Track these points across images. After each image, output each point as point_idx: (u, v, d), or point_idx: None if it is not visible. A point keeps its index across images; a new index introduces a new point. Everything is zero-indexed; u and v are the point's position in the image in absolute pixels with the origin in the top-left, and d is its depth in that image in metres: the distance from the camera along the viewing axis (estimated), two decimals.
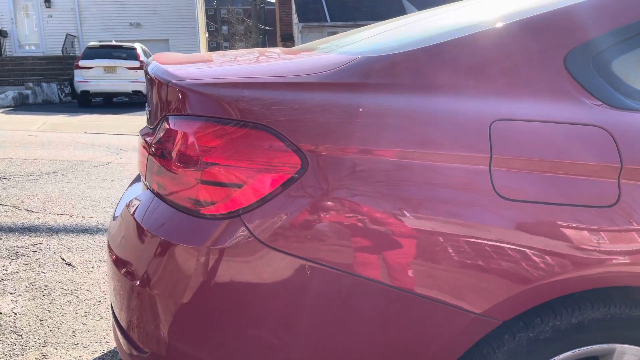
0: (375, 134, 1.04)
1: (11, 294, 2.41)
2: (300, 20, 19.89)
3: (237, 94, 1.09)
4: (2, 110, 11.82)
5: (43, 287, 2.49)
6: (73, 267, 2.72)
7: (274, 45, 38.22)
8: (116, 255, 1.28)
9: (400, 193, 1.02)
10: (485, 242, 1.01)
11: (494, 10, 1.32)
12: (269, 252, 1.02)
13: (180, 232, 1.11)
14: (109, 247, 1.35)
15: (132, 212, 1.27)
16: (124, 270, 1.20)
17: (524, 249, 1.02)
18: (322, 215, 1.02)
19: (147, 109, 1.43)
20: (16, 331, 2.10)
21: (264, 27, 50.50)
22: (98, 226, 3.37)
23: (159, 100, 1.25)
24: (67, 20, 18.49)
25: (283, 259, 1.02)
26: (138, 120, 11.02)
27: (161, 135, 1.19)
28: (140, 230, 1.20)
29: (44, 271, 2.66)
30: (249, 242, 1.03)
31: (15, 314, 2.23)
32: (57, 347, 1.99)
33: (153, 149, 1.22)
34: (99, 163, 5.39)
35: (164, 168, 1.17)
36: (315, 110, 1.07)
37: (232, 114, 1.07)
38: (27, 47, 18.71)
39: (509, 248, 1.01)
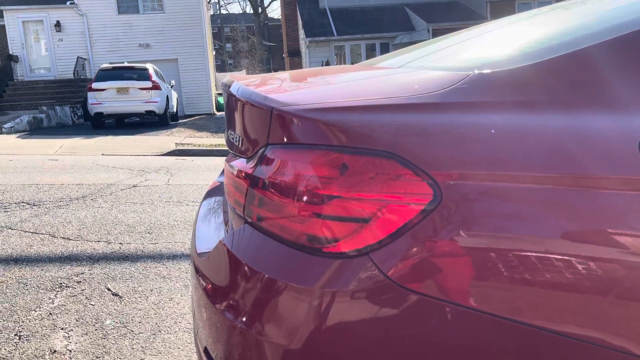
0: (515, 157, 0.95)
1: (62, 329, 2.31)
2: (307, 35, 19.94)
3: (351, 119, 1.00)
4: (18, 135, 11.85)
5: (94, 320, 2.39)
6: (120, 297, 2.63)
7: (279, 60, 38.36)
8: (211, 291, 1.18)
9: (553, 222, 0.91)
10: None
11: (618, 12, 1.22)
12: (403, 293, 0.92)
13: (294, 270, 1.01)
14: (202, 282, 1.26)
15: (230, 249, 1.18)
16: (220, 306, 1.11)
17: None
18: (461, 251, 0.92)
19: (231, 134, 1.35)
20: None
21: (268, 44, 50.85)
22: (138, 253, 3.28)
23: (257, 127, 1.16)
24: (78, 43, 18.63)
25: (416, 300, 0.92)
26: (152, 141, 11.00)
27: (265, 165, 1.10)
28: (244, 268, 1.11)
29: (92, 303, 2.57)
30: (380, 283, 0.93)
31: (70, 351, 2.13)
32: None
33: (254, 181, 1.13)
34: (125, 186, 5.33)
35: (271, 201, 1.08)
36: (440, 133, 0.98)
37: (350, 142, 0.98)
38: (38, 71, 18.85)
39: None
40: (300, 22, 21.27)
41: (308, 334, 0.98)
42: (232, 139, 1.35)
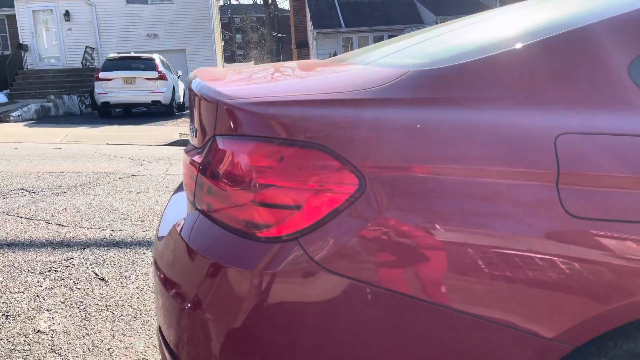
0: (433, 150, 1.01)
1: (47, 310, 2.41)
2: (315, 26, 19.93)
3: (289, 113, 1.06)
4: (26, 123, 12.02)
5: (78, 303, 2.49)
6: (106, 282, 2.72)
7: (289, 51, 38.35)
8: (165, 276, 1.26)
9: (463, 212, 0.98)
10: (558, 261, 0.96)
11: (552, 16, 1.28)
12: (327, 275, 0.99)
13: (233, 254, 1.08)
14: (157, 267, 1.33)
15: (180, 233, 1.25)
16: (173, 290, 1.18)
17: (597, 269, 0.97)
18: (382, 237, 0.98)
19: (191, 126, 1.42)
20: (54, 349, 2.09)
21: (277, 34, 50.77)
22: (128, 240, 3.38)
23: (207, 120, 1.22)
24: (86, 32, 18.78)
25: (341, 282, 0.99)
26: (157, 131, 11.11)
27: (211, 155, 1.16)
28: (190, 252, 1.18)
29: (78, 287, 2.66)
30: (307, 266, 1.00)
31: (53, 331, 2.23)
32: None
33: (203, 170, 1.19)
34: (124, 175, 5.43)
35: (216, 189, 1.14)
36: (370, 127, 1.04)
37: (285, 134, 1.04)
38: (47, 60, 19.03)
39: (582, 268, 0.97)
40: (308, 13, 21.24)
41: (248, 313, 1.05)
42: (191, 130, 1.42)
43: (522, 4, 1.60)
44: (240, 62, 46.27)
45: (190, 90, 1.37)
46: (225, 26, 52.37)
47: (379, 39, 20.40)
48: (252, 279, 1.04)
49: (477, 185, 0.99)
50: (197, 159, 1.25)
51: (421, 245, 0.97)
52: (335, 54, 19.61)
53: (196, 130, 1.33)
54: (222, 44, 29.10)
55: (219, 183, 1.14)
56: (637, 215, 0.98)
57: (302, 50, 22.67)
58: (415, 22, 19.98)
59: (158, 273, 1.30)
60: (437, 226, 0.97)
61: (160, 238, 1.42)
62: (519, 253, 0.96)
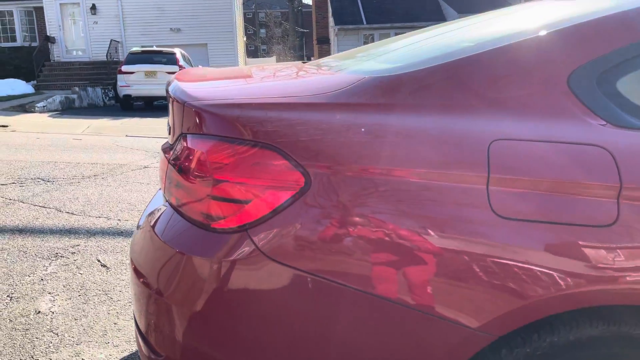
0: (372, 153, 1.09)
1: (49, 293, 2.56)
2: (337, 23, 19.96)
3: (245, 115, 1.16)
4: (50, 113, 12.37)
5: (79, 287, 2.63)
6: (108, 268, 2.86)
7: (311, 47, 38.42)
8: (135, 264, 1.36)
9: (397, 210, 1.06)
10: (482, 258, 1.04)
11: (496, 29, 1.35)
12: (271, 264, 1.08)
13: (193, 244, 1.18)
14: (130, 257, 1.44)
15: (151, 224, 1.36)
16: (142, 279, 1.29)
17: (520, 266, 1.04)
18: (319, 231, 1.07)
19: (168, 125, 1.52)
20: (52, 329, 2.23)
21: (301, 30, 50.85)
22: (132, 229, 3.52)
23: (177, 119, 1.33)
24: (112, 26, 19.15)
25: (283, 271, 1.08)
26: None
27: (178, 152, 1.27)
28: (157, 241, 1.28)
29: (81, 272, 2.81)
30: (254, 255, 1.09)
31: (52, 312, 2.37)
32: (89, 346, 2.11)
33: (172, 165, 1.30)
34: (136, 167, 5.60)
35: (180, 183, 1.25)
36: (317, 130, 1.12)
37: (240, 134, 1.14)
38: (74, 53, 19.48)
39: (505, 264, 1.04)
40: (330, 9, 21.27)
41: (206, 298, 1.15)
42: (167, 128, 1.52)
43: (495, 13, 1.66)
44: (263, 57, 46.51)
45: (167, 92, 1.47)
46: (249, 20, 52.71)
47: None
48: (209, 267, 1.14)
49: (411, 185, 1.07)
50: (169, 154, 1.35)
51: (356, 239, 1.06)
52: None
53: (170, 128, 1.43)
54: (245, 39, 29.33)
55: (183, 177, 1.24)
56: (558, 216, 1.05)
57: (323, 47, 22.73)
58: (437, 19, 19.84)
59: (131, 262, 1.41)
60: (372, 223, 1.06)
61: (138, 227, 1.53)
62: (448, 248, 1.04)
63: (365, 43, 20.40)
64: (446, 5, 19.73)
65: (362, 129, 1.12)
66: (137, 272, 1.35)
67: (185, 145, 1.24)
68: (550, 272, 1.03)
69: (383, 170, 1.08)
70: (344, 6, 20.69)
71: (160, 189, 1.90)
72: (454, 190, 1.06)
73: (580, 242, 1.05)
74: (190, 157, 1.21)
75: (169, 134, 1.46)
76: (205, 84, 1.46)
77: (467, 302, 1.04)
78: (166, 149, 1.46)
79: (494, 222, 1.05)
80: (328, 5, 21.81)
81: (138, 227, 1.54)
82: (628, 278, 1.05)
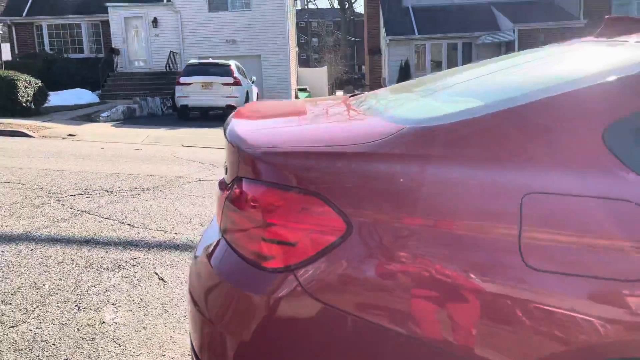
0: (408, 203, 1.18)
1: (113, 304, 2.77)
2: (388, 33, 20.00)
3: (292, 163, 1.28)
4: (113, 123, 13.06)
5: (139, 299, 2.83)
6: (165, 282, 3.06)
7: (362, 56, 38.46)
8: (192, 292, 1.51)
9: (430, 260, 1.14)
10: (513, 304, 1.10)
11: (533, 79, 1.40)
12: (314, 303, 1.19)
13: (245, 280, 1.31)
14: (190, 282, 1.58)
15: (207, 256, 1.49)
16: (197, 307, 1.43)
17: (551, 317, 1.10)
18: (358, 274, 1.17)
19: (225, 164, 1.66)
20: (115, 339, 2.43)
21: (353, 39, 51.04)
22: (188, 243, 3.73)
23: (233, 162, 1.46)
24: (171, 38, 20.00)
25: (325, 309, 1.19)
26: None
27: (234, 193, 1.40)
28: (212, 274, 1.42)
29: (141, 284, 3.02)
30: (299, 293, 1.20)
31: (115, 323, 2.58)
32: (147, 357, 2.29)
33: (227, 205, 1.43)
34: (192, 179, 5.87)
35: (235, 222, 1.38)
36: (360, 179, 1.23)
37: (289, 181, 1.26)
38: (135, 64, 20.46)
39: (536, 314, 1.10)
40: (382, 20, 21.33)
41: (255, 330, 1.28)
42: (225, 166, 1.66)
43: (521, 59, 1.72)
44: (315, 66, 46.98)
45: (224, 132, 1.62)
46: (302, 30, 53.47)
47: (453, 45, 20.11)
48: (259, 302, 1.26)
49: (449, 235, 1.15)
50: (225, 194, 1.49)
51: (389, 285, 1.15)
52: (407, 61, 19.57)
53: (227, 168, 1.57)
54: (297, 49, 29.81)
55: (238, 218, 1.37)
56: (589, 270, 1.10)
57: (375, 57, 22.79)
58: (491, 29, 19.50)
59: (190, 288, 1.56)
60: (406, 271, 1.15)
61: (196, 257, 1.68)
62: (480, 297, 1.11)
63: (416, 53, 20.31)
64: (500, 15, 19.35)
65: (401, 179, 1.21)
66: (193, 300, 1.49)
67: (240, 189, 1.37)
68: (579, 324, 1.09)
69: (418, 220, 1.17)
70: (396, 17, 20.69)
71: (215, 217, 2.06)
72: (488, 241, 1.14)
73: (610, 297, 1.09)
74: (245, 200, 1.34)
75: (226, 173, 1.59)
76: (259, 127, 1.58)
77: (500, 347, 1.11)
78: (222, 185, 1.60)
79: (525, 273, 1.11)
80: (380, 16, 21.88)
81: (195, 257, 1.68)
82: None
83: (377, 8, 22.51)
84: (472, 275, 1.13)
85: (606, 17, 1.87)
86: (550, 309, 1.10)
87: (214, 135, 11.50)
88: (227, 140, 1.53)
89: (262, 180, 1.31)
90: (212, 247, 1.53)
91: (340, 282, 1.18)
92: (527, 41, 18.18)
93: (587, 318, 1.09)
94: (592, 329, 1.09)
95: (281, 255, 1.25)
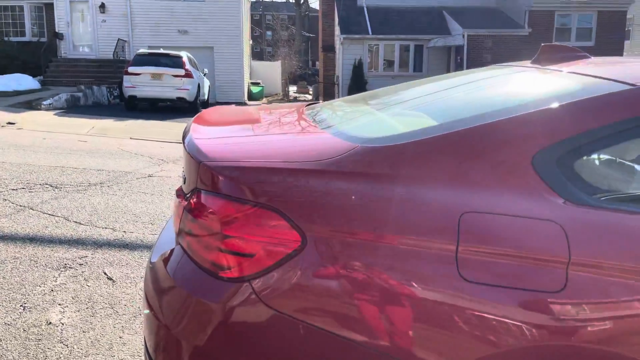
0: (358, 218, 1.27)
1: (60, 304, 2.74)
2: (342, 32, 20.18)
3: (250, 178, 1.34)
4: (56, 111, 12.55)
5: (87, 299, 2.81)
6: (113, 281, 3.04)
7: (317, 52, 38.54)
8: (148, 298, 1.55)
9: (382, 272, 1.24)
10: (449, 311, 1.22)
11: (474, 104, 1.53)
12: (268, 311, 1.27)
13: (201, 288, 1.36)
14: (145, 286, 1.62)
15: (163, 261, 1.54)
16: (152, 311, 1.47)
17: (481, 324, 1.22)
18: (311, 284, 1.26)
19: (183, 173, 1.70)
20: (62, 340, 2.41)
21: (307, 35, 51.05)
22: (137, 242, 3.70)
23: (192, 173, 1.50)
24: (119, 25, 19.35)
25: (277, 317, 1.27)
26: (179, 128, 11.52)
27: (192, 204, 1.45)
28: (168, 280, 1.47)
29: (88, 284, 2.99)
30: (254, 302, 1.28)
31: (63, 324, 2.55)
32: (96, 358, 2.29)
33: (185, 214, 1.48)
34: (141, 175, 5.78)
35: (193, 232, 1.43)
36: (313, 194, 1.31)
37: (246, 195, 1.32)
38: (80, 49, 19.68)
39: (470, 321, 1.22)
40: (337, 18, 21.49)
41: (210, 337, 1.34)
42: (183, 174, 1.70)
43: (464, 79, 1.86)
44: (269, 59, 46.66)
45: (184, 145, 1.65)
46: (256, 22, 52.97)
47: (405, 47, 20.54)
48: (215, 310, 1.32)
49: (395, 249, 1.26)
50: (183, 203, 1.53)
51: (338, 294, 1.24)
52: (360, 60, 19.82)
53: (185, 177, 1.61)
54: (251, 42, 29.54)
55: (196, 228, 1.42)
56: (516, 283, 1.23)
57: (328, 55, 22.93)
58: (442, 33, 20.06)
59: (145, 291, 1.59)
60: (356, 282, 1.24)
61: (152, 262, 1.71)
62: (418, 306, 1.22)
63: (370, 52, 20.60)
64: (452, 20, 19.94)
65: (352, 196, 1.31)
66: (149, 304, 1.53)
67: (198, 200, 1.42)
68: (506, 330, 1.21)
69: (367, 234, 1.26)
70: (350, 16, 20.90)
71: (171, 220, 2.08)
72: (429, 255, 1.25)
73: (536, 306, 1.23)
74: (203, 212, 1.40)
75: (184, 182, 1.63)
76: (218, 139, 1.63)
77: (438, 350, 1.23)
78: (180, 194, 1.64)
79: (460, 283, 1.23)
80: (335, 14, 22.02)
81: (151, 262, 1.72)
82: (573, 337, 1.23)
83: (332, 6, 22.64)
84: (415, 285, 1.24)
85: (542, 44, 2.04)
86: (482, 315, 1.22)
87: (163, 128, 11.28)
88: (186, 150, 1.57)
89: (221, 193, 1.36)
90: (168, 253, 1.58)
91: (294, 292, 1.26)
92: (476, 46, 18.84)
93: (515, 324, 1.22)
94: (520, 335, 1.22)
95: (238, 266, 1.31)
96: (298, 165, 1.37)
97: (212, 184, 1.39)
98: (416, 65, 20.84)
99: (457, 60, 19.98)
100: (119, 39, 18.63)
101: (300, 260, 1.27)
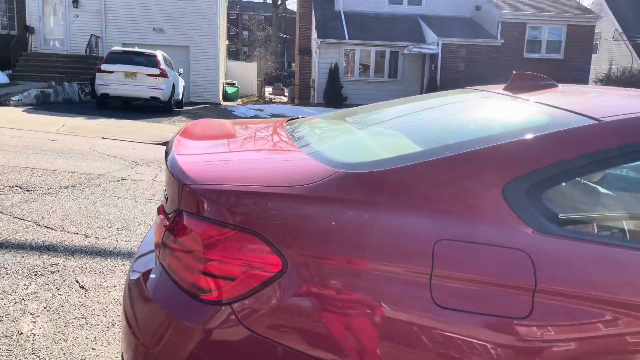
0: (337, 243, 1.32)
1: (31, 314, 2.70)
2: (319, 36, 20.26)
3: (235, 202, 1.38)
4: (25, 108, 12.24)
5: (59, 309, 2.78)
6: (86, 290, 3.02)
7: (293, 54, 38.52)
8: (127, 314, 1.56)
9: (356, 297, 1.29)
10: (421, 336, 1.28)
11: (443, 134, 1.60)
12: (248, 334, 1.30)
13: (181, 309, 1.39)
14: (124, 302, 1.63)
15: (145, 282, 1.55)
16: (131, 329, 1.49)
17: (452, 347, 1.28)
18: (291, 308, 1.30)
19: (165, 192, 1.72)
20: (34, 352, 2.39)
21: (284, 36, 51.00)
22: (110, 249, 3.67)
23: (175, 194, 1.52)
24: (93, 21, 19.00)
25: (258, 340, 1.30)
26: (153, 128, 11.39)
27: (175, 225, 1.47)
28: (147, 297, 1.49)
29: (60, 293, 2.95)
30: (235, 325, 1.31)
31: (34, 334, 2.52)
32: None
33: (167, 235, 1.50)
34: (114, 178, 5.71)
35: (174, 253, 1.45)
36: (294, 219, 1.35)
37: (230, 219, 1.36)
38: (52, 44, 19.24)
39: (443, 345, 1.28)
40: (314, 21, 21.56)
41: (189, 358, 1.36)
42: (165, 193, 1.72)
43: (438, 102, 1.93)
44: (245, 59, 46.42)
45: (166, 163, 1.67)
46: (233, 22, 52.65)
47: (381, 53, 20.75)
48: (195, 331, 1.35)
49: (373, 274, 1.30)
50: (166, 223, 1.55)
51: (317, 318, 1.28)
52: (336, 65, 19.92)
53: (168, 197, 1.63)
54: (227, 42, 29.35)
55: (177, 249, 1.44)
56: (486, 309, 1.29)
57: (305, 58, 22.98)
58: (417, 40, 20.34)
59: (124, 308, 1.61)
60: (337, 307, 1.29)
61: (131, 279, 1.72)
62: (390, 328, 1.28)
63: (346, 57, 20.73)
64: (427, 28, 20.24)
65: (332, 222, 1.35)
66: (127, 321, 1.55)
67: (181, 222, 1.45)
68: (475, 355, 1.28)
69: (347, 258, 1.31)
70: (328, 20, 21.00)
71: (150, 233, 2.09)
72: (403, 280, 1.30)
73: (504, 330, 1.30)
74: (185, 234, 1.43)
75: (165, 201, 1.65)
76: (201, 160, 1.65)
77: None
78: (162, 212, 1.66)
79: (433, 308, 1.29)
80: (312, 17, 22.10)
81: (131, 278, 1.73)
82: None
83: (309, 9, 22.71)
84: (391, 311, 1.29)
85: (514, 72, 2.13)
86: (454, 340, 1.28)
87: (136, 128, 11.12)
88: (169, 170, 1.59)
89: (203, 216, 1.39)
90: (148, 271, 1.59)
91: (275, 315, 1.30)
92: (450, 54, 19.18)
93: (485, 349, 1.29)
94: (488, 359, 1.29)
95: (219, 289, 1.34)
96: (280, 190, 1.40)
97: (195, 207, 1.42)
98: (391, 72, 21.09)
99: (431, 67, 20.29)
100: (92, 35, 18.29)
101: (281, 284, 1.31)
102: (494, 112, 1.89)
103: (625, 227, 1.56)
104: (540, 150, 1.46)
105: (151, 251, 1.86)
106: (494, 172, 1.43)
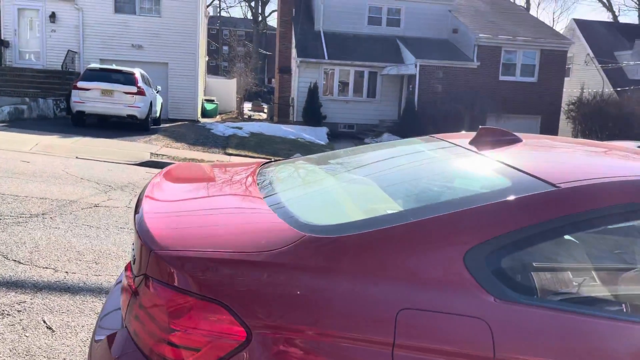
0: (306, 313, 1.33)
1: None
2: (299, 55, 20.42)
3: (201, 270, 1.38)
4: None
5: (25, 352, 2.72)
6: (53, 331, 2.95)
7: (273, 70, 38.66)
8: None
9: None
10: None
11: (408, 196, 1.64)
12: None
13: None
14: None
15: (110, 345, 1.54)
16: None
17: None
18: None
19: (133, 249, 1.71)
20: None
21: (264, 52, 51.21)
22: (79, 284, 3.61)
23: (143, 257, 1.52)
24: (70, 36, 18.82)
25: None
26: (129, 147, 11.27)
27: (141, 290, 1.47)
28: None
29: (27, 334, 2.89)
30: None
31: None
32: None
33: (133, 300, 1.50)
34: (86, 205, 5.63)
35: (140, 319, 1.45)
36: (260, 287, 1.36)
37: (196, 288, 1.36)
38: (27, 57, 18.97)
39: None
40: (294, 41, 21.72)
41: None
42: (133, 253, 1.71)
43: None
44: (224, 74, 46.42)
45: (134, 223, 1.67)
46: (213, 37, 52.65)
47: (360, 73, 20.99)
48: None
49: (339, 344, 1.32)
50: (132, 285, 1.55)
51: None
52: (315, 84, 20.06)
53: (135, 258, 1.63)
54: (207, 58, 29.32)
55: (143, 316, 1.44)
56: None
57: (285, 76, 23.10)
58: (396, 61, 20.65)
59: None
60: None
61: (96, 339, 1.69)
62: None
63: (325, 76, 20.90)
64: (405, 49, 20.57)
65: (297, 291, 1.36)
66: None
67: (147, 288, 1.44)
68: None
69: (311, 328, 1.32)
70: (308, 39, 21.19)
71: (118, 286, 2.07)
72: (365, 351, 1.32)
73: None
74: (151, 301, 1.42)
75: (133, 262, 1.64)
76: (169, 222, 1.65)
77: None
78: (129, 269, 1.65)
79: None
80: (292, 36, 22.27)
81: (95, 339, 1.71)
82: None
83: (289, 28, 22.89)
84: None
85: (480, 127, 2.19)
86: None
87: (111, 147, 11.00)
88: (137, 232, 1.59)
89: (169, 284, 1.39)
90: (114, 335, 1.58)
91: None
92: (427, 76, 19.51)
93: None
94: None
95: (184, 359, 1.34)
96: (245, 257, 1.41)
97: (162, 274, 1.42)
98: (370, 91, 21.32)
99: (409, 88, 20.59)
100: (69, 50, 18.10)
101: (245, 356, 1.31)
102: (459, 172, 1.94)
103: (588, 295, 1.61)
104: (501, 217, 1.50)
105: (117, 309, 1.85)
106: (456, 239, 1.46)
